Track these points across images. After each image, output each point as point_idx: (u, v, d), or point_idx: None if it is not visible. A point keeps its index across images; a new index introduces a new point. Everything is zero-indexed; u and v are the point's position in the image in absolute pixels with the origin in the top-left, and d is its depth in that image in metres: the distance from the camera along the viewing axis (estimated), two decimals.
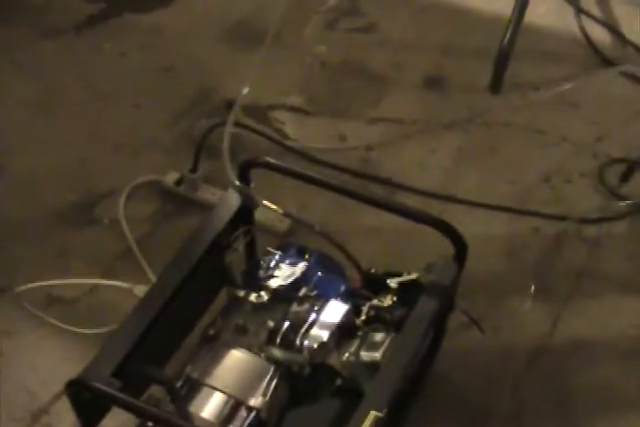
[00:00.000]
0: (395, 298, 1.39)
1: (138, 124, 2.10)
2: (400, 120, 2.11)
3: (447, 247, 1.38)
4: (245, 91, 1.89)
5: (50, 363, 1.69)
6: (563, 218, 1.90)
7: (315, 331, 1.36)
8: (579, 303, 1.79)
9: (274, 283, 1.42)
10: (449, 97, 2.17)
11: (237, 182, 1.42)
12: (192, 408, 1.30)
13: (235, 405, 1.32)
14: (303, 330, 1.37)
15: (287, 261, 1.45)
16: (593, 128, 2.09)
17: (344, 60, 2.24)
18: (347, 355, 1.36)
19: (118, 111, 2.13)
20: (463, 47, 2.28)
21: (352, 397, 1.31)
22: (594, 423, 1.65)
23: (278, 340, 1.37)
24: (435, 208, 1.88)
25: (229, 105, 2.00)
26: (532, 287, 1.75)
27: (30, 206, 1.94)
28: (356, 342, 1.37)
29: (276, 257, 1.46)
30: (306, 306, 1.40)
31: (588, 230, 1.90)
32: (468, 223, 1.77)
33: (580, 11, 2.34)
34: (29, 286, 1.68)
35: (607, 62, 2.23)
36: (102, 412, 1.31)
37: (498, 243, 1.89)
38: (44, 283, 1.69)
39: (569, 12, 2.35)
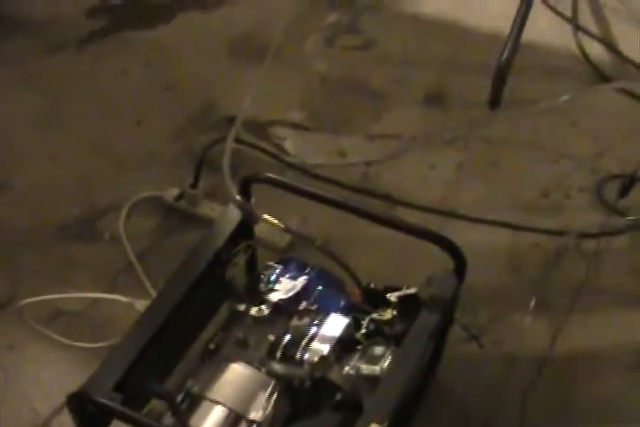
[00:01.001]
0: (394, 312, 1.40)
1: (140, 139, 2.11)
2: (400, 136, 2.12)
3: (448, 260, 1.39)
4: (246, 106, 1.90)
5: (52, 377, 1.70)
6: (562, 233, 1.91)
7: (315, 345, 1.37)
8: (579, 317, 1.79)
9: (274, 297, 1.42)
10: (449, 113, 2.17)
11: (238, 197, 1.43)
12: (193, 422, 1.31)
13: (235, 418, 1.32)
14: (304, 344, 1.37)
15: (288, 275, 1.46)
16: (592, 144, 2.10)
17: (344, 77, 2.25)
18: (347, 368, 1.36)
19: (121, 126, 2.14)
20: (463, 63, 2.29)
21: (353, 411, 1.31)
22: None
23: (279, 354, 1.38)
24: (435, 223, 1.89)
25: (230, 121, 2.01)
26: (533, 301, 1.76)
27: (33, 220, 1.95)
28: (356, 356, 1.37)
29: (277, 271, 1.47)
30: (306, 320, 1.40)
31: (587, 245, 1.90)
32: (469, 238, 1.76)
33: (578, 28, 2.36)
34: (31, 299, 1.69)
35: (606, 79, 2.24)
36: (104, 425, 1.31)
37: (498, 257, 1.89)
38: (45, 297, 1.69)
39: (569, 28, 2.36)
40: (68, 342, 1.71)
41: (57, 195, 1.99)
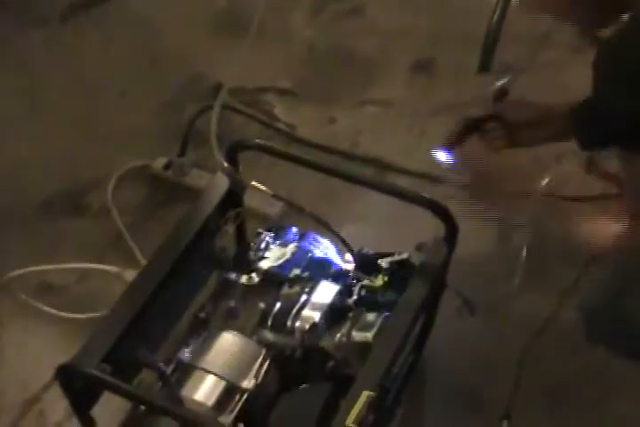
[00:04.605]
0: (386, 278, 1.39)
1: (126, 112, 2.09)
2: (389, 103, 2.10)
3: (439, 229, 1.37)
4: (233, 74, 1.88)
5: (42, 350, 1.69)
6: (552, 198, 1.90)
7: (306, 312, 1.36)
8: (570, 287, 1.77)
9: (264, 264, 1.42)
10: (438, 79, 2.16)
11: (225, 164, 1.41)
12: (184, 392, 1.30)
13: (227, 387, 1.32)
14: (294, 311, 1.36)
15: (278, 243, 1.45)
16: None
17: (332, 45, 2.24)
18: (338, 336, 1.35)
19: (106, 100, 2.12)
20: (452, 31, 2.27)
21: (344, 379, 1.30)
22: (585, 408, 1.65)
23: (269, 322, 1.37)
24: (425, 190, 1.86)
25: (218, 89, 1.99)
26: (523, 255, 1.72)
27: (20, 196, 1.93)
28: (347, 323, 1.37)
29: (267, 239, 1.46)
30: (297, 288, 1.40)
31: (578, 210, 1.89)
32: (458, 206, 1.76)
33: None
34: (19, 272, 1.67)
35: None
36: (94, 397, 1.30)
37: (489, 226, 1.88)
38: (32, 269, 1.68)
39: None
40: (57, 313, 1.70)
41: (43, 170, 1.97)
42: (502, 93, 1.57)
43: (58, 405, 1.59)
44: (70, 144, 2.02)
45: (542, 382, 1.66)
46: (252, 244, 1.45)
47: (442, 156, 1.51)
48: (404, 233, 1.78)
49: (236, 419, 1.31)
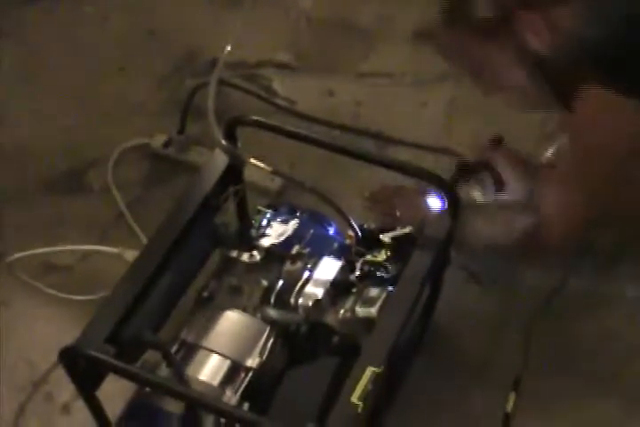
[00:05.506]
0: (389, 253, 1.38)
1: (124, 88, 2.07)
2: (390, 74, 2.09)
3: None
4: (229, 48, 1.86)
5: (47, 331, 1.68)
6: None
7: (309, 288, 1.36)
8: (579, 256, 1.76)
9: (266, 241, 1.41)
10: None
11: (223, 141, 1.39)
12: (189, 372, 1.30)
13: (232, 366, 1.31)
14: (297, 288, 1.36)
15: (279, 220, 1.44)
16: None
17: (330, 15, 2.21)
18: (342, 311, 1.35)
19: (104, 76, 2.10)
20: None
21: (350, 354, 1.29)
22: (597, 376, 1.64)
23: (273, 299, 1.37)
24: (428, 161, 1.86)
25: (215, 63, 1.97)
26: None
27: (19, 175, 1.92)
28: (351, 299, 1.36)
29: (268, 215, 1.45)
30: (299, 264, 1.39)
31: None
32: None
33: None
34: (20, 254, 1.67)
35: None
36: (99, 378, 1.29)
37: None
38: (34, 251, 1.67)
39: None
40: (61, 295, 1.69)
41: (42, 150, 1.96)
42: (498, 141, 1.61)
43: (65, 386, 1.57)
44: (69, 122, 2.00)
45: (552, 351, 1.65)
46: (254, 221, 1.44)
47: (435, 202, 1.49)
48: None
49: (242, 398, 1.30)
